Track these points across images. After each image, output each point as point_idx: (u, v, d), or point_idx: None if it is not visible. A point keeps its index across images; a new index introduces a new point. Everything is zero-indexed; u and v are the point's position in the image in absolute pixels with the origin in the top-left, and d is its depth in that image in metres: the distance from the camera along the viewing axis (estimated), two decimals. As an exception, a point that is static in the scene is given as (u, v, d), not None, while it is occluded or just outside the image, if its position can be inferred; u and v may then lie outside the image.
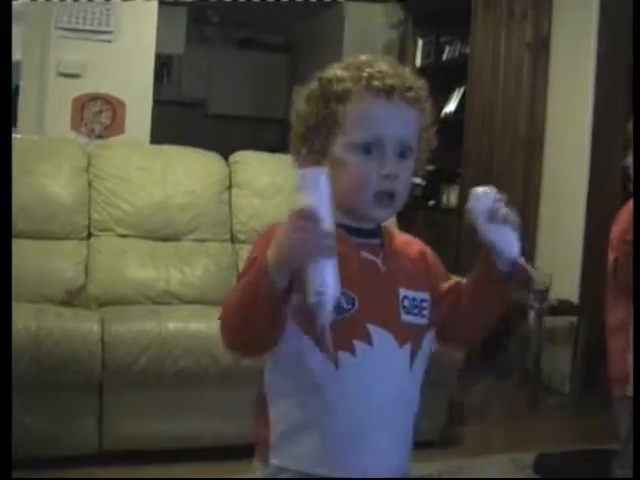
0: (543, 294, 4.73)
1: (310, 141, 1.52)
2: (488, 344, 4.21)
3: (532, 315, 4.85)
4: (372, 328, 1.47)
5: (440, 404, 3.78)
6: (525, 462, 3.63)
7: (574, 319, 4.88)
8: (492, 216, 1.47)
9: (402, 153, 1.49)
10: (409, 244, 1.63)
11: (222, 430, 3.34)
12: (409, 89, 1.50)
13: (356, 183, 1.48)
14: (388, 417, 1.49)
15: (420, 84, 1.54)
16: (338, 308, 1.37)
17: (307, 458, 1.47)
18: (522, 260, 1.47)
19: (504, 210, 1.47)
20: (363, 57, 1.54)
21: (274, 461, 1.50)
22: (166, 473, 3.22)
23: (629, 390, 2.35)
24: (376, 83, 1.48)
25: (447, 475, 3.48)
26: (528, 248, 5.27)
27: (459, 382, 4.05)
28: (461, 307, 1.58)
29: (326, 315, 1.30)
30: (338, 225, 1.44)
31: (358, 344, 1.46)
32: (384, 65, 1.51)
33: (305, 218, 1.28)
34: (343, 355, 1.44)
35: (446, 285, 1.61)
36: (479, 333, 1.67)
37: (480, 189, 1.48)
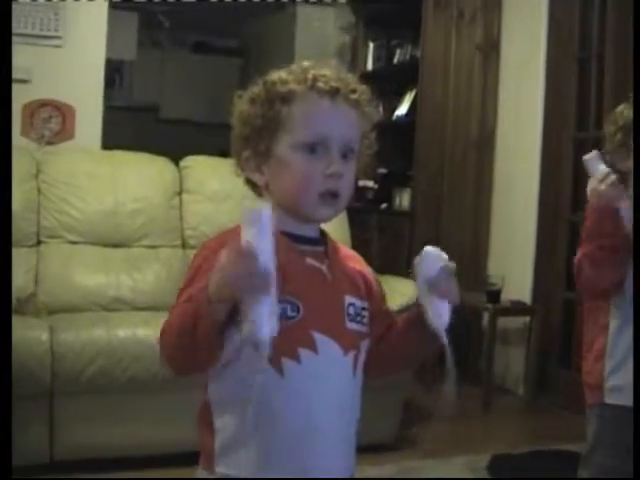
0: (496, 295, 4.76)
1: (254, 143, 1.52)
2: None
3: (485, 316, 4.88)
4: (317, 336, 1.47)
5: (394, 407, 3.78)
6: (479, 463, 3.65)
7: (527, 319, 4.91)
8: (433, 285, 1.47)
9: (345, 154, 1.50)
10: (352, 256, 1.64)
11: (174, 437, 3.32)
12: (352, 92, 1.52)
13: (301, 182, 1.48)
14: (332, 423, 1.49)
15: (363, 88, 1.55)
16: (283, 315, 1.39)
17: (252, 465, 1.46)
18: (443, 337, 1.47)
19: (445, 286, 1.47)
20: (306, 62, 1.55)
21: (219, 469, 1.49)
22: (118, 481, 3.20)
23: (608, 397, 2.36)
24: (320, 84, 1.49)
25: (401, 476, 3.48)
26: (482, 250, 5.30)
27: (413, 384, 4.06)
28: (386, 340, 1.59)
29: (258, 356, 1.30)
30: (282, 233, 1.47)
31: (303, 352, 1.45)
32: (327, 70, 1.52)
33: (242, 254, 1.28)
34: (288, 363, 1.44)
35: (383, 308, 1.62)
36: (391, 370, 1.70)
37: (432, 251, 1.49)
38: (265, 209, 1.31)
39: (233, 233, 1.37)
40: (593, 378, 2.40)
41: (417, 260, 1.49)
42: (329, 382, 1.48)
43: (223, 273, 1.30)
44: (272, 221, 1.31)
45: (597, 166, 2.27)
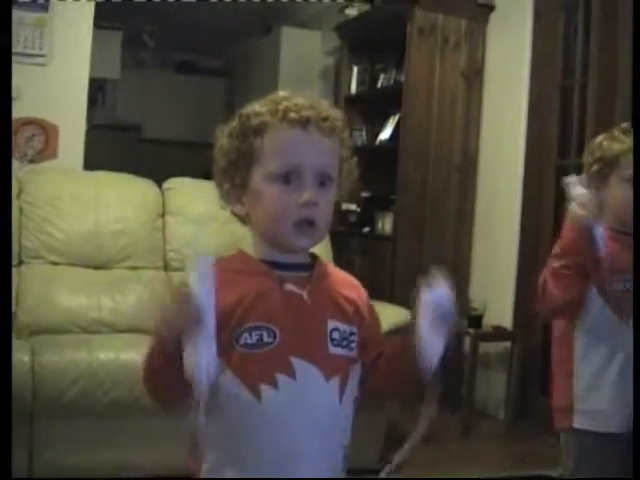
0: (478, 320, 4.77)
1: (231, 175, 1.55)
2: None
3: (467, 341, 4.88)
4: (296, 361, 1.47)
5: (377, 431, 3.77)
6: (459, 489, 3.65)
7: (508, 345, 4.91)
8: (434, 321, 1.48)
9: (322, 182, 1.51)
10: (345, 282, 1.64)
11: (155, 461, 3.30)
12: (325, 119, 1.53)
13: (275, 212, 1.50)
14: (314, 450, 1.49)
15: (336, 115, 1.56)
16: (259, 342, 1.45)
17: None
18: (430, 374, 1.49)
19: (447, 325, 1.48)
20: (281, 92, 1.57)
21: None
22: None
23: (576, 422, 2.36)
24: (292, 115, 1.51)
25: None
26: (463, 275, 5.31)
27: (397, 408, 4.05)
28: (379, 363, 1.59)
29: (198, 392, 1.36)
30: (263, 261, 1.52)
31: (281, 377, 1.46)
32: (301, 99, 1.54)
33: (175, 295, 1.37)
34: (265, 388, 1.45)
35: (375, 340, 1.61)
36: (388, 394, 1.70)
37: (440, 286, 1.49)
38: (207, 258, 1.39)
39: (217, 265, 1.41)
40: (561, 401, 2.40)
41: (422, 295, 1.49)
42: (309, 408, 1.48)
43: (162, 313, 1.38)
44: (210, 269, 1.38)
45: (577, 189, 2.29)
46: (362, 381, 1.58)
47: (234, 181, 1.54)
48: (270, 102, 1.54)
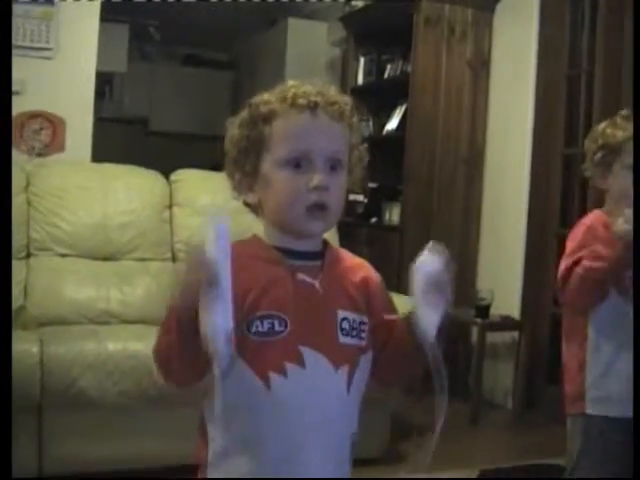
0: (485, 310, 4.77)
1: (242, 164, 1.56)
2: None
3: (474, 331, 4.88)
4: (305, 350, 1.48)
5: (383, 421, 3.78)
6: (468, 478, 3.64)
7: (515, 335, 4.91)
8: (427, 292, 1.47)
9: (333, 167, 1.52)
10: (356, 268, 1.64)
11: (163, 451, 3.31)
12: (333, 104, 1.54)
13: (286, 198, 1.50)
14: (323, 439, 1.50)
15: (344, 100, 1.57)
16: (271, 330, 1.45)
17: (244, 476, 1.47)
18: (430, 344, 1.48)
19: (441, 293, 1.47)
20: (290, 82, 1.58)
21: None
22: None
23: (589, 408, 2.38)
24: (300, 100, 1.52)
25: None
26: (471, 265, 5.32)
27: (402, 398, 4.06)
28: (389, 345, 1.59)
29: (218, 356, 1.34)
30: (276, 248, 1.52)
31: (290, 366, 1.47)
32: (309, 86, 1.55)
33: (193, 251, 1.37)
34: (274, 376, 1.46)
35: (387, 317, 1.61)
36: (400, 375, 1.70)
37: (429, 254, 1.48)
38: (222, 222, 1.36)
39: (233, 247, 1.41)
40: (574, 388, 2.41)
41: (414, 268, 1.48)
42: (318, 397, 1.49)
43: (180, 278, 1.38)
44: (227, 232, 1.36)
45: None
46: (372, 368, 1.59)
47: (245, 170, 1.55)
48: (278, 90, 1.56)
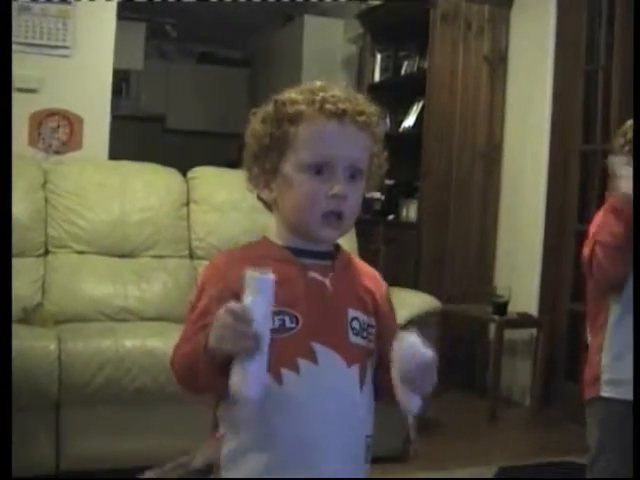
0: (503, 307, 4.75)
1: (262, 160, 1.55)
2: (449, 357, 4.22)
3: (492, 328, 4.87)
4: (317, 347, 1.49)
5: (400, 419, 3.76)
6: (485, 476, 3.64)
7: (533, 332, 4.90)
8: (407, 378, 1.45)
9: (352, 175, 1.52)
10: (366, 273, 1.65)
11: (181, 448, 3.29)
12: (361, 114, 1.53)
13: (304, 202, 1.50)
14: (335, 435, 1.49)
15: (372, 110, 1.57)
16: (282, 327, 1.46)
17: (257, 474, 1.47)
18: (410, 423, 1.50)
19: (419, 381, 1.45)
20: (318, 82, 1.57)
21: (226, 476, 1.51)
22: (124, 493, 3.19)
23: (603, 390, 2.38)
24: (329, 106, 1.51)
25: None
26: (488, 262, 5.30)
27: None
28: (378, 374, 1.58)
29: (244, 411, 1.39)
30: (287, 248, 1.54)
31: (302, 362, 1.47)
32: (338, 90, 1.55)
33: (236, 317, 1.33)
34: (287, 373, 1.46)
35: (390, 328, 1.60)
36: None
37: (410, 341, 1.45)
38: (268, 277, 1.36)
39: (242, 250, 1.41)
40: (590, 371, 2.43)
41: (395, 346, 1.46)
42: (330, 393, 1.49)
43: (218, 330, 1.35)
44: (273, 288, 1.36)
45: (624, 168, 2.32)
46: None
47: (265, 166, 1.55)
48: (307, 91, 1.54)
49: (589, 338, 2.51)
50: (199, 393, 1.54)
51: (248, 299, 1.35)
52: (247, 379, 1.34)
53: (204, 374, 1.42)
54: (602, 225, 2.36)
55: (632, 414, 2.28)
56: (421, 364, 1.44)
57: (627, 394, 2.32)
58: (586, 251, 2.38)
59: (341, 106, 1.51)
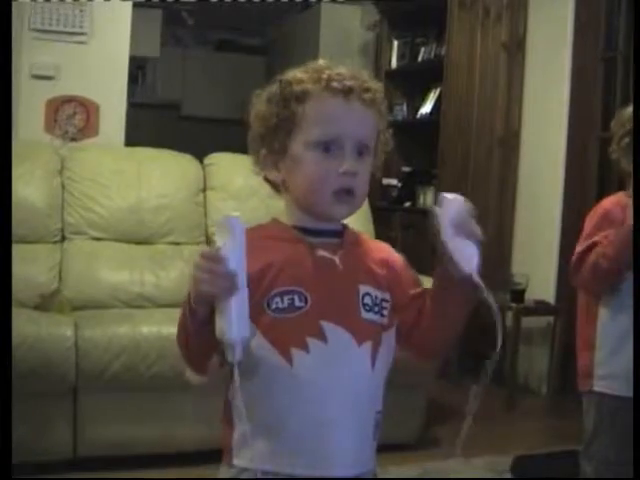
0: (520, 295, 4.74)
1: (270, 141, 1.55)
2: (464, 345, 4.21)
3: (509, 316, 4.85)
4: (326, 325, 1.48)
5: (417, 406, 3.77)
6: (502, 464, 3.63)
7: (551, 319, 4.88)
8: (458, 227, 1.45)
9: (360, 152, 1.52)
10: (376, 248, 1.64)
11: (197, 434, 3.32)
12: (366, 90, 1.53)
13: (314, 181, 1.50)
14: (346, 415, 1.49)
15: (377, 87, 1.56)
16: (291, 306, 1.46)
17: (267, 457, 1.48)
18: (477, 278, 1.45)
19: (471, 224, 1.45)
20: (322, 61, 1.57)
21: (237, 462, 1.51)
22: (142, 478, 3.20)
23: (595, 385, 2.39)
24: (334, 84, 1.50)
25: (424, 477, 3.46)
26: (506, 249, 5.28)
27: (437, 383, 4.04)
28: (426, 313, 1.57)
29: (232, 354, 1.35)
30: (296, 227, 1.54)
31: (311, 341, 1.47)
32: (343, 69, 1.54)
33: (208, 259, 1.35)
34: (297, 352, 1.46)
35: (414, 291, 1.60)
36: (442, 342, 1.66)
37: (451, 195, 1.46)
38: (235, 217, 1.37)
39: (250, 232, 1.41)
40: (583, 365, 2.43)
41: (436, 209, 1.45)
42: (341, 372, 1.48)
43: (194, 280, 1.36)
44: (243, 229, 1.36)
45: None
46: (407, 338, 1.58)
47: (272, 147, 1.54)
48: (312, 70, 1.54)
49: (578, 328, 2.49)
50: (200, 368, 1.53)
51: (219, 241, 1.36)
52: (229, 319, 1.34)
53: (194, 337, 1.42)
54: (597, 233, 2.34)
55: (624, 407, 2.28)
56: (466, 209, 1.45)
57: (619, 390, 2.32)
58: (576, 254, 2.37)
59: (347, 83, 1.50)
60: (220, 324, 1.35)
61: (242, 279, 1.35)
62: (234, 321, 1.34)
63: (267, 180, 1.60)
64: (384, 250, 1.65)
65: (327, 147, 1.49)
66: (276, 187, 1.59)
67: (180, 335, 1.49)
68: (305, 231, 1.54)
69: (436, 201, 1.47)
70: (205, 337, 1.40)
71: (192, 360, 1.52)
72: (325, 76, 1.51)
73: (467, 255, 1.46)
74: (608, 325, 2.37)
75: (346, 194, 1.50)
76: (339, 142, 1.49)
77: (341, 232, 1.59)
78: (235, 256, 1.35)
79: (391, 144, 1.63)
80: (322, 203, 1.51)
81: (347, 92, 1.50)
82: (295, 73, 1.55)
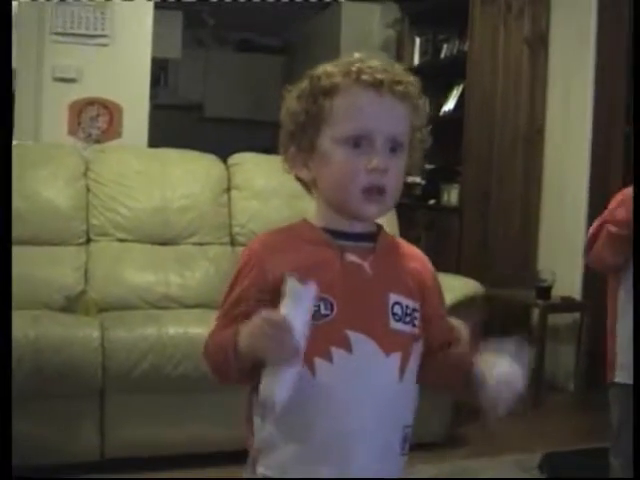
0: (546, 291, 4.71)
1: (299, 138, 1.50)
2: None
3: (535, 312, 4.83)
4: (352, 334, 1.43)
5: (445, 405, 3.75)
6: (531, 462, 3.61)
7: (577, 316, 4.85)
8: (497, 403, 1.45)
9: (393, 149, 1.46)
10: (412, 255, 1.59)
11: (224, 435, 3.31)
12: (398, 83, 1.47)
13: (343, 177, 1.45)
14: (371, 426, 1.44)
15: (410, 79, 1.50)
16: (316, 313, 1.40)
17: (289, 466, 1.44)
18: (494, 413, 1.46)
19: (507, 403, 1.45)
20: (356, 54, 1.52)
21: (259, 470, 1.48)
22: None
23: (617, 376, 2.40)
24: (365, 77, 1.45)
25: (452, 476, 3.45)
26: (531, 246, 5.26)
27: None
28: (438, 360, 1.55)
29: (272, 411, 1.35)
30: (326, 230, 1.48)
31: (336, 351, 1.42)
32: (375, 62, 1.49)
33: (275, 327, 1.30)
34: (320, 362, 1.41)
35: (443, 320, 1.57)
36: (437, 386, 1.67)
37: (500, 369, 1.46)
38: (310, 289, 1.34)
39: (278, 234, 1.39)
40: (608, 356, 2.45)
41: (487, 373, 1.46)
42: (366, 383, 1.43)
43: (254, 338, 1.33)
44: (314, 299, 1.34)
45: None
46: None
47: (301, 144, 1.49)
48: (342, 63, 1.49)
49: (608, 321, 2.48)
50: (229, 383, 1.50)
51: (288, 308, 1.32)
52: (280, 386, 1.32)
53: (234, 369, 1.41)
54: (611, 210, 2.36)
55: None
56: (513, 391, 1.45)
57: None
58: (591, 229, 2.42)
59: (378, 76, 1.45)
60: (269, 384, 1.33)
61: (302, 350, 1.33)
62: (284, 387, 1.32)
63: (298, 179, 1.55)
64: (419, 258, 1.59)
65: (357, 142, 1.44)
66: (307, 186, 1.55)
67: (212, 356, 1.47)
68: (335, 234, 1.49)
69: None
70: (243, 368, 1.40)
71: (221, 376, 1.49)
72: (355, 69, 1.46)
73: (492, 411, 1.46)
74: (622, 315, 2.38)
75: (376, 192, 1.44)
76: (369, 137, 1.44)
77: (374, 235, 1.53)
78: (301, 326, 1.32)
79: (428, 142, 1.56)
80: (351, 201, 1.45)
81: (378, 85, 1.45)
82: (325, 67, 1.50)
